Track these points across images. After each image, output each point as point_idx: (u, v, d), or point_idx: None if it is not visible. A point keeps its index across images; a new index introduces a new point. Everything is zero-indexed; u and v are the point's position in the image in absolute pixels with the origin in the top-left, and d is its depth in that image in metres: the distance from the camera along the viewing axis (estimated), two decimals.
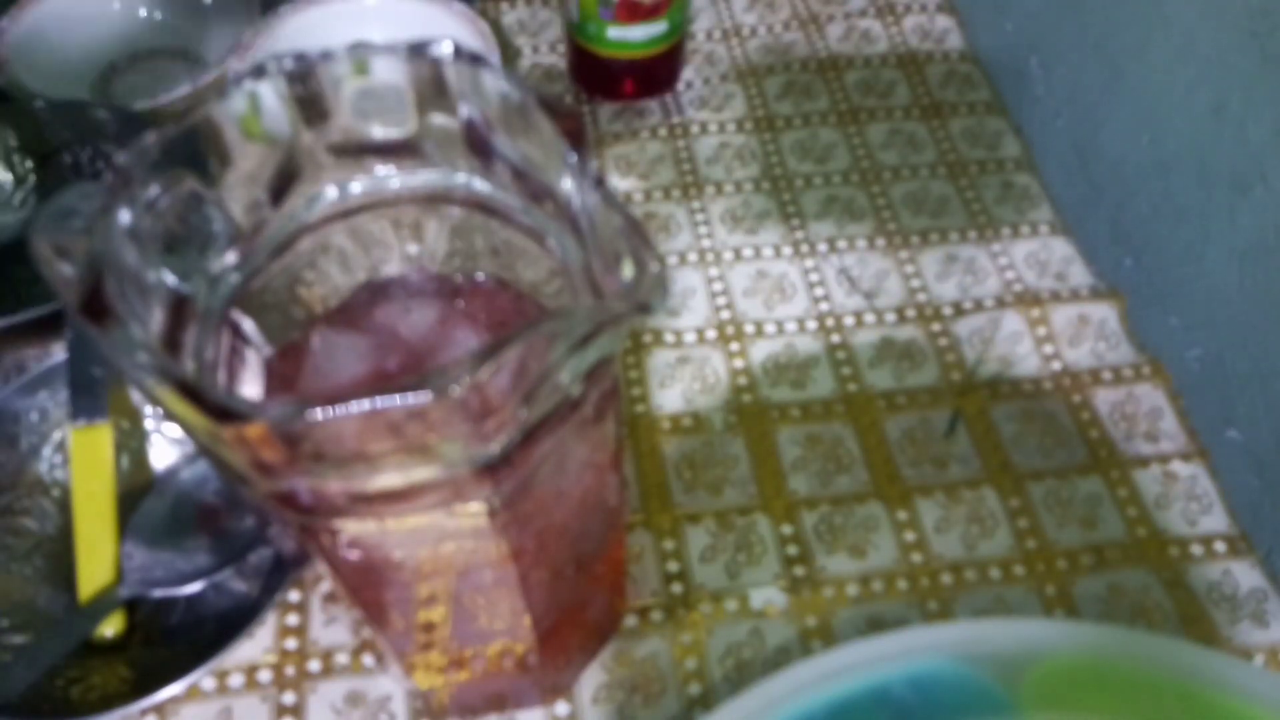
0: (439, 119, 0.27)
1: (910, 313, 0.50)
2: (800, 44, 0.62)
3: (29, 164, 0.50)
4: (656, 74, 0.57)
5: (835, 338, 0.49)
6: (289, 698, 0.38)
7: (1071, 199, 0.54)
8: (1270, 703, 0.35)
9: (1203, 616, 0.41)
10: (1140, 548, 0.42)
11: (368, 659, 0.39)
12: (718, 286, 0.50)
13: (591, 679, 0.39)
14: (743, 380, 0.47)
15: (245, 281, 0.27)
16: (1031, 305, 0.50)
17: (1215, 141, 0.43)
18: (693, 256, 0.52)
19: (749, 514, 0.43)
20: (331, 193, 0.28)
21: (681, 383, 0.47)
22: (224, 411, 0.20)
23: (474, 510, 0.25)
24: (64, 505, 0.40)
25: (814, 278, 0.51)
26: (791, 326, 0.49)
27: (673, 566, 0.41)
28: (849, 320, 0.49)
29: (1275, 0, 0.39)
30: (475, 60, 0.25)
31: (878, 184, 0.55)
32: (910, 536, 0.43)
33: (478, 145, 0.27)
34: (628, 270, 0.22)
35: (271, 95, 0.25)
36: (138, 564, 0.39)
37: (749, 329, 0.49)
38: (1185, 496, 0.44)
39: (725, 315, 0.49)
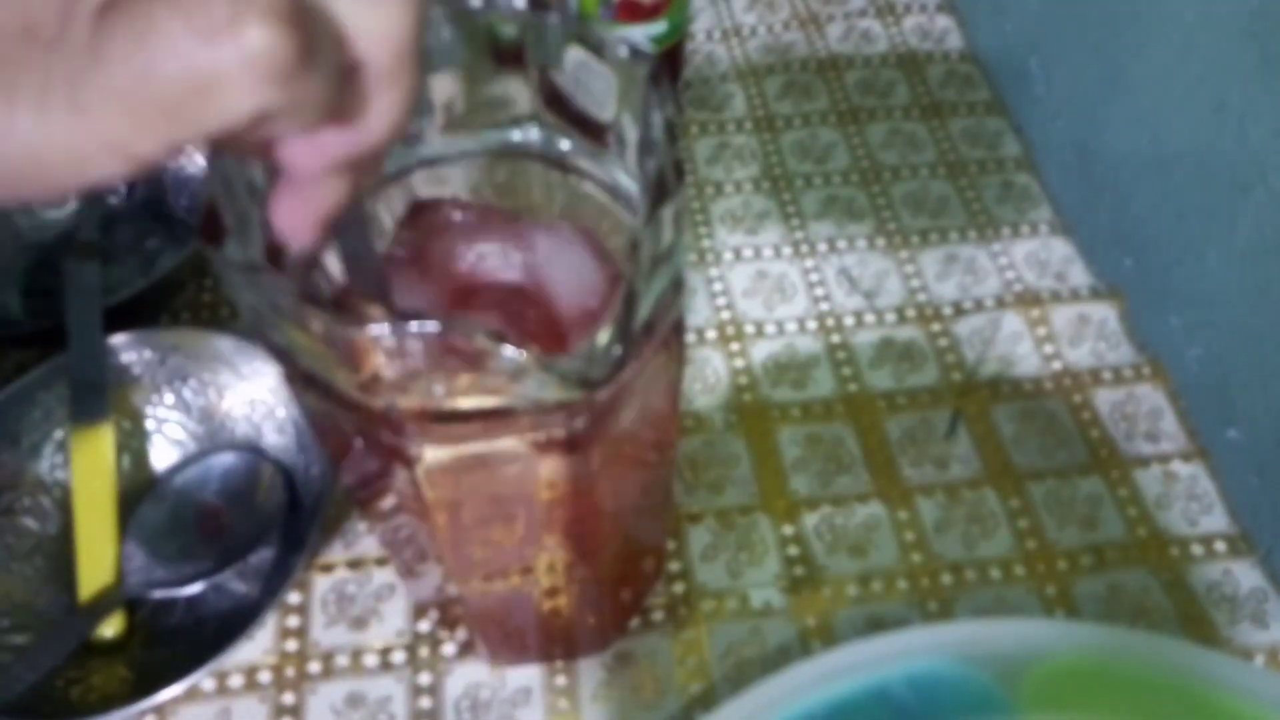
0: (512, 74, 0.28)
1: (910, 313, 0.50)
2: (800, 44, 0.62)
3: None
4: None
5: (835, 338, 0.49)
6: (289, 699, 0.38)
7: (1071, 199, 0.54)
8: (1270, 703, 0.35)
9: (1203, 617, 0.41)
10: (1140, 548, 0.42)
11: (368, 659, 0.39)
12: (718, 287, 0.50)
13: (592, 677, 0.39)
14: (743, 380, 0.47)
15: None
16: (1031, 305, 0.50)
17: (1215, 141, 0.43)
18: (692, 257, 0.52)
19: (750, 513, 0.43)
20: (414, 147, 0.30)
21: (682, 383, 0.47)
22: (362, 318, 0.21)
23: (557, 436, 0.25)
24: (65, 505, 0.40)
25: (814, 278, 0.51)
26: (792, 326, 0.49)
27: (674, 566, 0.41)
28: (849, 320, 0.49)
29: (1275, 0, 0.39)
30: (545, 10, 0.26)
31: (878, 184, 0.55)
32: (910, 536, 0.43)
33: (551, 97, 0.28)
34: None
35: None
36: (138, 565, 0.39)
37: (749, 329, 0.49)
38: (1185, 496, 0.44)
39: (725, 315, 0.49)
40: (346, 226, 0.25)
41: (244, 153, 0.22)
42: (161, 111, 0.17)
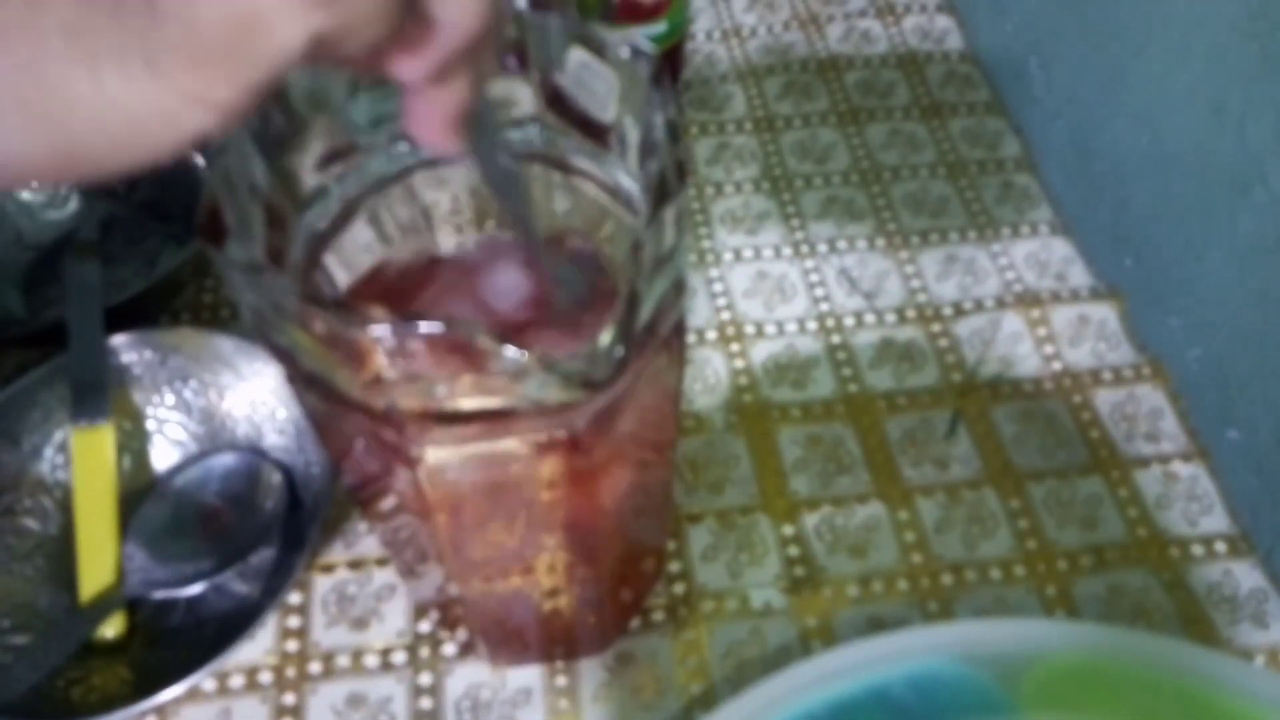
0: (514, 75, 0.28)
1: (910, 313, 0.50)
2: (800, 44, 0.62)
3: None
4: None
5: (835, 338, 0.49)
6: (289, 699, 0.38)
7: (1071, 199, 0.54)
8: (1270, 703, 0.35)
9: (1203, 617, 0.41)
10: (1141, 548, 0.42)
11: (369, 660, 0.39)
12: (718, 287, 0.50)
13: (593, 678, 0.39)
14: (743, 380, 0.47)
15: (331, 229, 0.29)
16: (1031, 305, 0.50)
17: (1215, 141, 0.43)
18: (693, 257, 0.52)
19: (750, 514, 0.43)
20: (415, 148, 0.30)
21: (683, 383, 0.47)
22: (361, 318, 0.21)
23: (558, 437, 0.25)
24: (66, 506, 0.40)
25: (814, 278, 0.51)
26: (792, 327, 0.49)
27: (674, 566, 0.42)
28: (849, 321, 0.49)
29: (1275, 1, 0.39)
30: (546, 11, 0.26)
31: (878, 184, 0.55)
32: (911, 537, 0.43)
33: (552, 98, 0.28)
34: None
35: None
36: (139, 565, 0.39)
37: (749, 329, 0.49)
38: (1185, 497, 0.44)
39: (726, 316, 0.49)
40: (477, 131, 0.25)
41: (353, 69, 0.23)
42: (222, 55, 0.18)
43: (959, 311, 0.50)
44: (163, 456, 0.42)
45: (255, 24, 0.17)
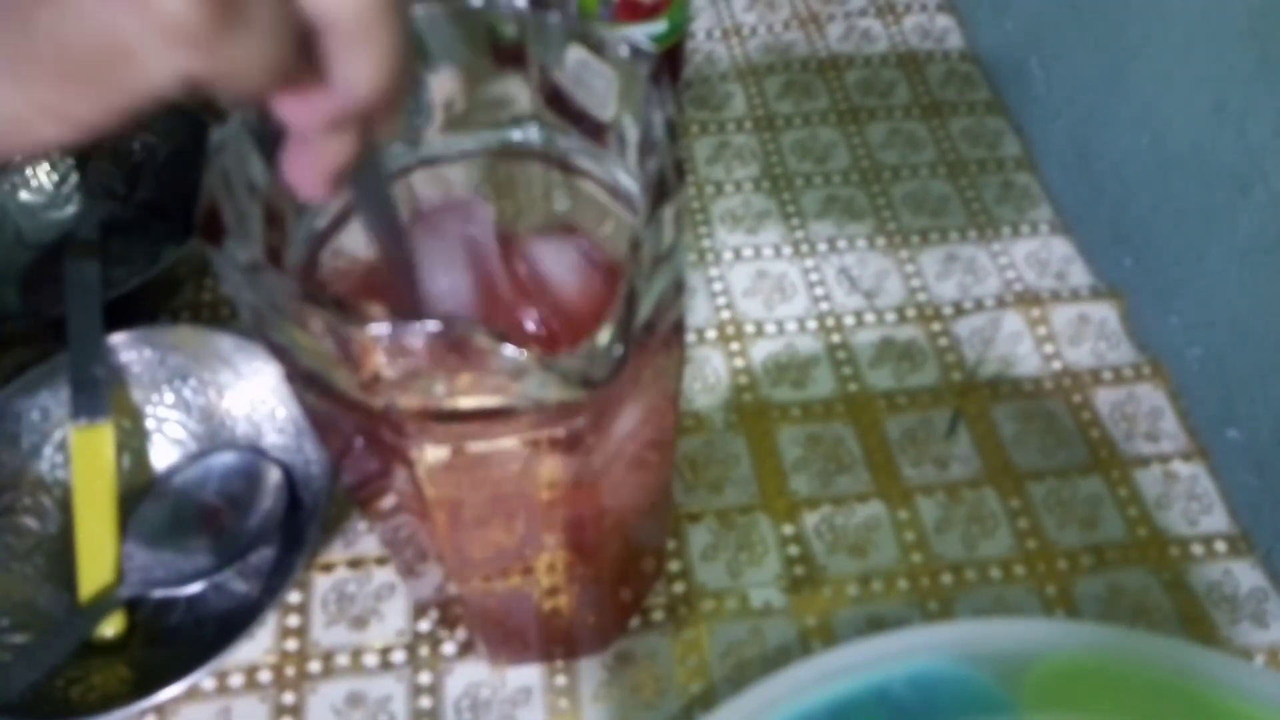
0: (513, 74, 0.28)
1: (910, 312, 0.50)
2: (800, 43, 0.62)
3: (70, 161, 0.50)
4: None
5: (835, 337, 0.49)
6: (289, 698, 0.38)
7: (1071, 199, 0.54)
8: (1270, 703, 0.35)
9: (1203, 616, 0.41)
10: (1140, 548, 0.42)
11: (368, 659, 0.39)
12: (718, 286, 0.50)
13: (592, 677, 0.39)
14: (743, 380, 0.47)
15: (330, 228, 0.29)
16: (1032, 305, 0.50)
17: (1215, 141, 0.43)
18: (693, 256, 0.52)
19: (750, 513, 0.43)
20: (415, 147, 0.30)
21: (682, 382, 0.47)
22: (362, 317, 0.21)
23: (557, 436, 0.25)
24: (65, 505, 0.40)
25: (814, 277, 0.51)
26: (792, 326, 0.49)
27: (674, 565, 0.41)
28: (849, 320, 0.49)
29: (1275, 0, 0.39)
30: (546, 9, 0.26)
31: (878, 183, 0.55)
32: (911, 536, 0.43)
33: (551, 96, 0.28)
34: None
35: None
36: (138, 564, 0.39)
37: (749, 329, 0.49)
38: (1185, 496, 0.44)
39: (725, 315, 0.49)
40: (362, 184, 0.25)
41: (239, 102, 0.22)
42: (87, 77, 0.18)
43: (959, 311, 0.50)
44: (162, 455, 0.42)
45: (123, 56, 0.17)
